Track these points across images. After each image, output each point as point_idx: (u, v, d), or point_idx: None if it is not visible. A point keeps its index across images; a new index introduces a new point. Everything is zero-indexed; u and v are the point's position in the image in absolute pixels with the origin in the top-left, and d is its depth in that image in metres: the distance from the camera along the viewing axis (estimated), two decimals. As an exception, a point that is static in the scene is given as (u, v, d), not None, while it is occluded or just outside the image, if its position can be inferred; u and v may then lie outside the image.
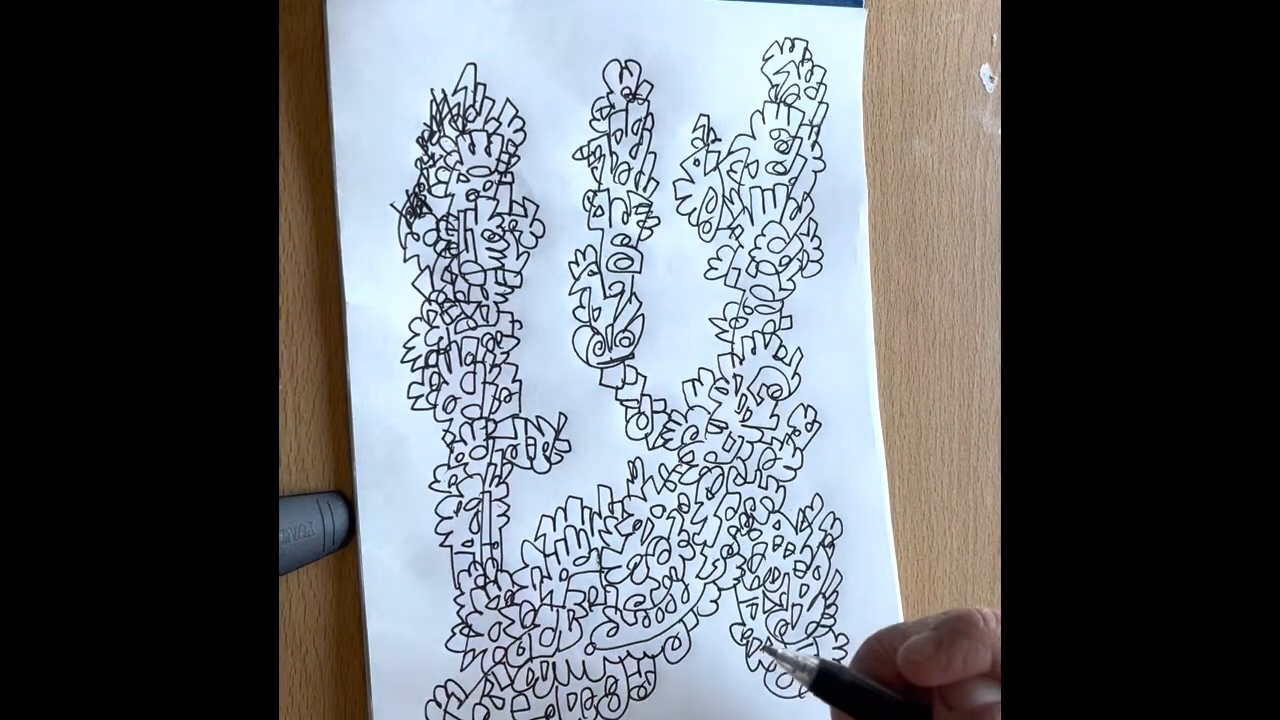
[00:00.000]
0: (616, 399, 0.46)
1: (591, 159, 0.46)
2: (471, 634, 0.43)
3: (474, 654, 0.43)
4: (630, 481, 0.46)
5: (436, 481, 0.43)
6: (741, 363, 0.48)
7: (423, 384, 0.43)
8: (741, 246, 0.48)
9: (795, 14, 0.49)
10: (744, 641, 0.47)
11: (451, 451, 0.44)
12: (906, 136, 0.51)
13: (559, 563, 0.45)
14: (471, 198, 0.44)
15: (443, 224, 0.44)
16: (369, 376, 0.42)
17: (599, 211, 0.46)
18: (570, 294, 0.45)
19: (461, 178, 0.44)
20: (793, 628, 0.47)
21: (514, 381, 0.44)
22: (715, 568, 0.47)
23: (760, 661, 0.47)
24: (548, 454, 0.45)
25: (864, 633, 0.41)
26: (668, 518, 0.46)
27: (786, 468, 0.48)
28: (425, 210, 0.43)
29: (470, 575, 0.43)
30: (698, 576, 0.46)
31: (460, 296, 0.44)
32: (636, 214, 0.46)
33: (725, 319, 0.48)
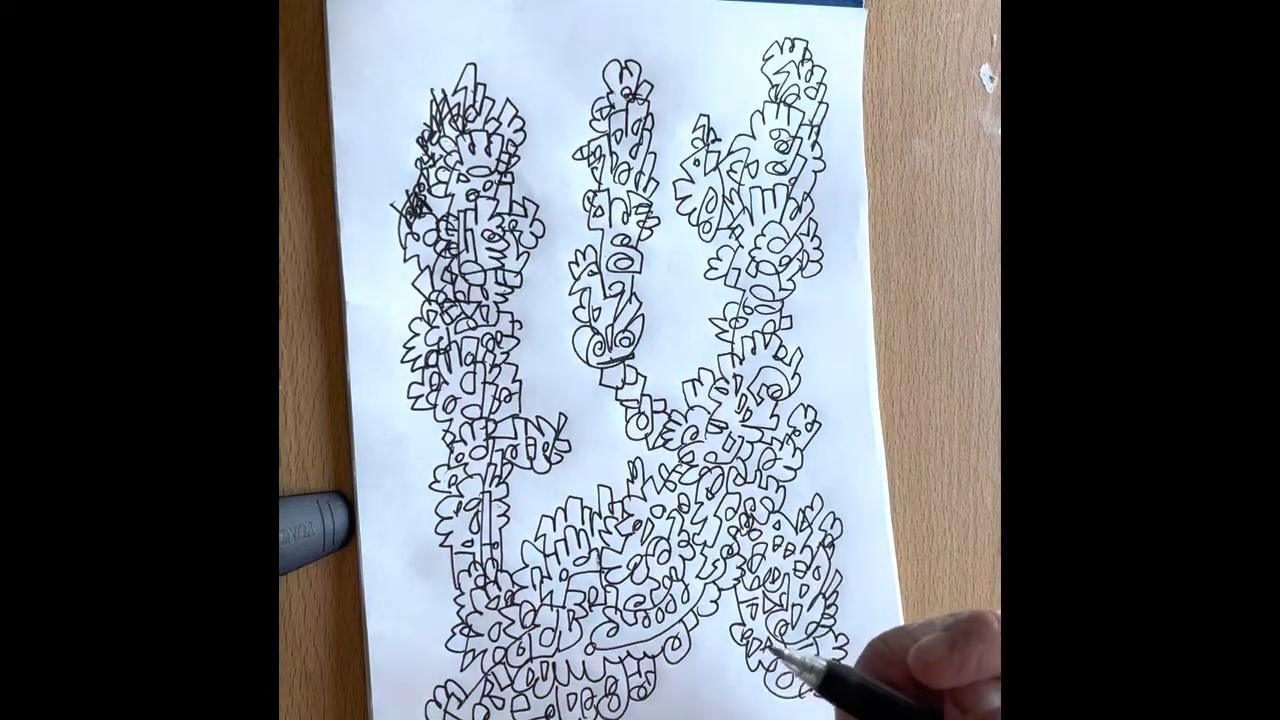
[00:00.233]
0: (616, 399, 0.46)
1: (591, 159, 0.46)
2: (471, 634, 0.43)
3: (474, 654, 0.43)
4: (630, 481, 0.46)
5: (436, 481, 0.43)
6: (741, 363, 0.48)
7: (423, 384, 0.43)
8: (741, 246, 0.48)
9: (795, 14, 0.49)
10: (744, 641, 0.47)
11: (451, 451, 0.44)
12: (906, 136, 0.51)
13: (559, 563, 0.45)
14: (471, 198, 0.44)
15: (443, 224, 0.44)
16: (369, 376, 0.42)
17: (599, 211, 0.46)
18: (570, 294, 0.45)
19: (461, 178, 0.44)
20: (793, 628, 0.47)
21: (514, 381, 0.44)
22: (715, 568, 0.47)
23: (761, 662, 0.47)
24: (548, 454, 0.45)
25: (864, 632, 0.41)
26: (668, 518, 0.46)
27: (786, 468, 0.48)
28: (425, 210, 0.43)
29: (470, 575, 0.43)
30: (698, 577, 0.46)
31: (460, 296, 0.44)
32: (636, 214, 0.46)
33: (725, 319, 0.48)
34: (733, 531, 0.47)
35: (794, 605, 0.48)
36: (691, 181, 0.47)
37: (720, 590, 0.47)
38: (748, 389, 0.48)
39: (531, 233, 0.45)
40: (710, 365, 0.47)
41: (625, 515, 0.46)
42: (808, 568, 0.48)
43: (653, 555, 0.46)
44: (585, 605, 0.45)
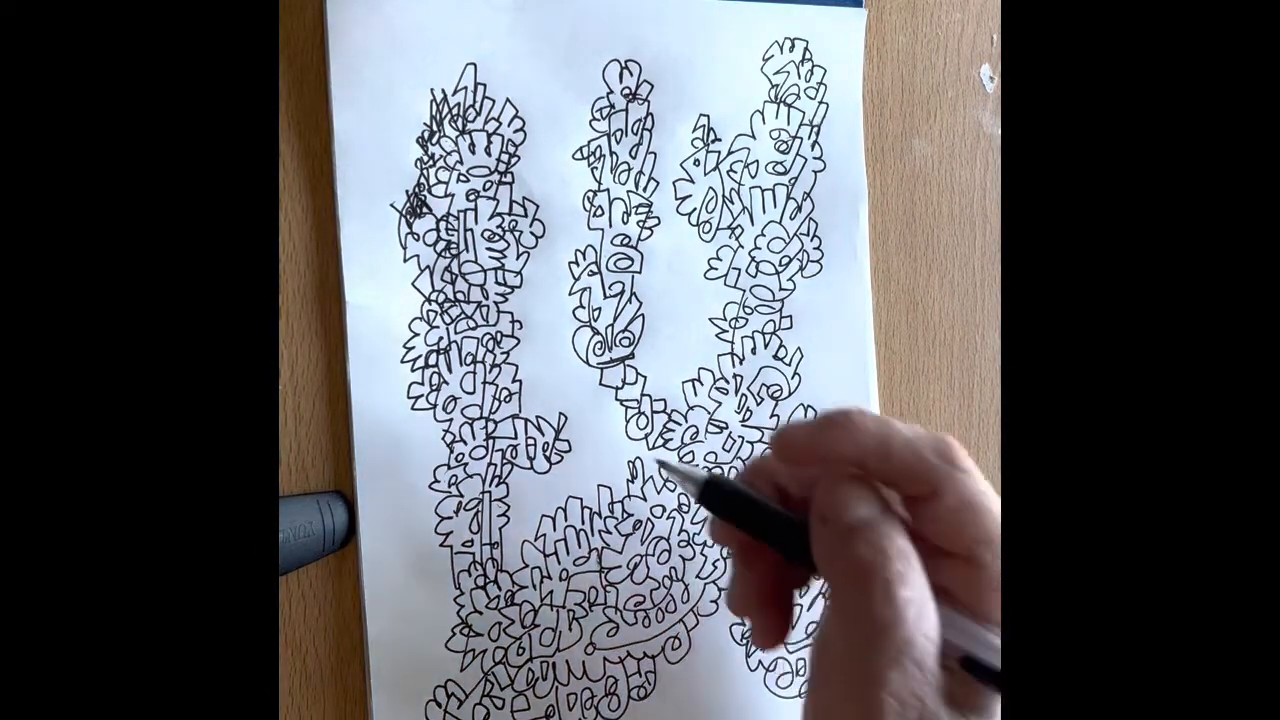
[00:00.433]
0: (616, 399, 0.46)
1: (591, 159, 0.46)
2: (471, 634, 0.43)
3: (474, 654, 0.43)
4: (630, 481, 0.46)
5: (436, 482, 0.43)
6: (741, 363, 0.48)
7: (423, 384, 0.43)
8: (741, 246, 0.48)
9: (795, 14, 0.49)
10: (744, 641, 0.47)
11: (451, 452, 0.44)
12: (906, 136, 0.51)
13: (559, 563, 0.45)
14: (471, 198, 0.44)
15: (443, 224, 0.44)
16: (369, 376, 0.42)
17: (599, 211, 0.46)
18: (570, 294, 0.45)
19: (461, 178, 0.44)
20: (792, 627, 0.47)
21: (514, 381, 0.44)
22: (715, 568, 0.47)
23: (761, 661, 0.47)
24: (548, 454, 0.45)
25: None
26: (668, 518, 0.46)
27: (787, 468, 0.48)
28: (425, 210, 0.43)
29: (470, 575, 0.43)
30: (698, 576, 0.46)
31: (460, 296, 0.44)
32: (636, 214, 0.46)
33: (725, 319, 0.48)
34: (733, 531, 0.47)
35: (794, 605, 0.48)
36: (691, 181, 0.47)
37: (720, 590, 0.47)
38: (748, 389, 0.48)
39: (531, 233, 0.45)
40: (710, 365, 0.47)
41: (625, 515, 0.46)
42: (807, 567, 0.48)
43: (653, 555, 0.46)
44: (585, 605, 0.45)
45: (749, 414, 0.48)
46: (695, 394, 0.47)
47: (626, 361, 0.46)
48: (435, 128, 0.43)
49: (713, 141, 0.48)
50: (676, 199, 0.47)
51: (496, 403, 0.44)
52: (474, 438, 0.44)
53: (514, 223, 0.45)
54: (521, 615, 0.44)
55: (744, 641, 0.47)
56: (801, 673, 0.48)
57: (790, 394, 0.48)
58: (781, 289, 0.49)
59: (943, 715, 0.31)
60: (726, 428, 0.47)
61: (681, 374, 0.47)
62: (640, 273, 0.46)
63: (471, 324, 0.44)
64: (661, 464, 0.40)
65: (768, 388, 0.48)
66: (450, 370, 0.44)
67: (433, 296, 0.43)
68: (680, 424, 0.47)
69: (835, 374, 0.49)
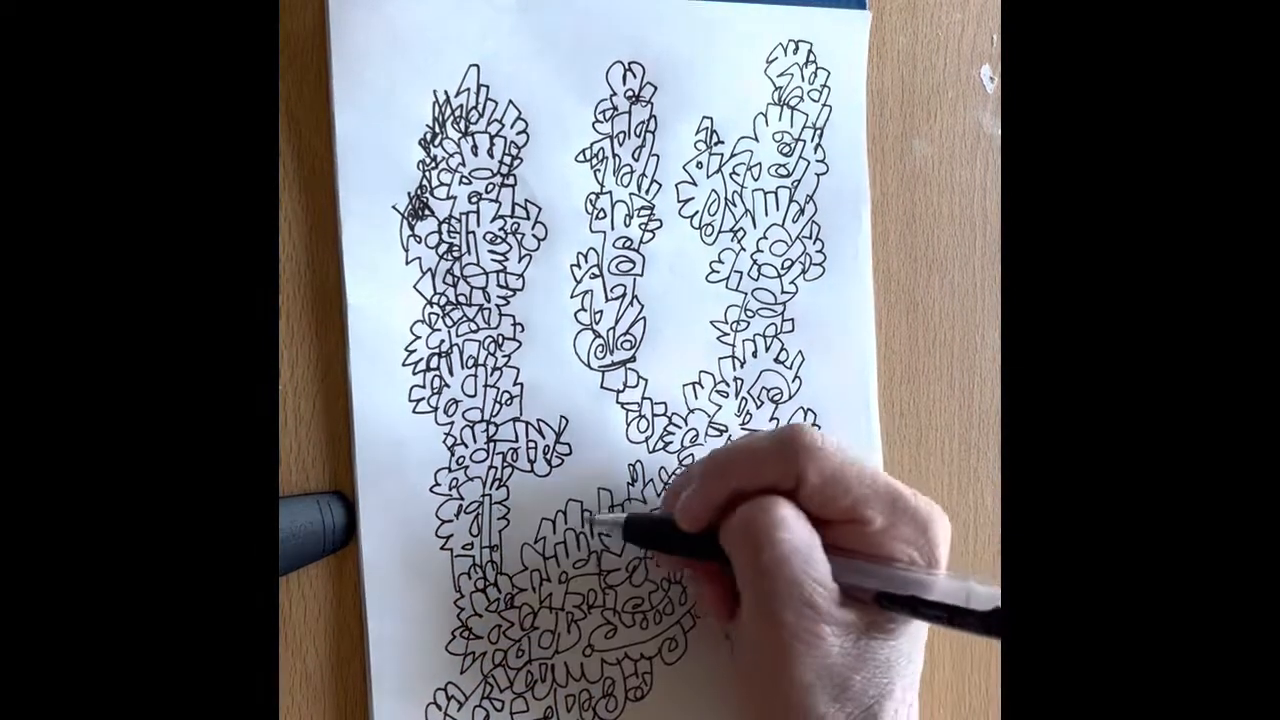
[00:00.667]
0: (617, 402, 0.46)
1: (594, 161, 0.46)
2: (471, 637, 0.43)
3: (474, 656, 0.43)
4: (631, 485, 0.46)
5: (437, 485, 0.43)
6: (742, 366, 0.48)
7: (424, 387, 0.43)
8: (743, 249, 0.48)
9: (799, 16, 0.49)
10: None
11: (452, 455, 0.43)
12: (906, 137, 0.51)
13: (558, 565, 0.45)
14: (473, 200, 0.44)
15: (445, 226, 0.44)
16: (370, 379, 0.42)
17: (601, 214, 0.46)
18: (572, 297, 0.45)
19: (464, 180, 0.44)
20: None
21: (515, 385, 0.44)
22: (715, 570, 0.47)
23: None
24: (548, 457, 0.45)
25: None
26: (668, 520, 0.46)
27: (786, 471, 0.48)
28: (427, 212, 0.43)
29: (470, 578, 0.43)
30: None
31: (462, 299, 0.44)
32: (638, 216, 0.46)
33: (726, 322, 0.48)
34: (733, 534, 0.47)
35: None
36: (694, 184, 0.47)
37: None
38: (748, 392, 0.48)
39: (534, 235, 0.45)
40: (711, 368, 0.47)
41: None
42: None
43: (651, 558, 0.46)
44: (584, 607, 0.45)
45: (749, 417, 0.48)
46: (696, 397, 0.47)
47: (628, 365, 0.46)
48: (437, 129, 0.43)
49: (715, 144, 0.48)
50: (679, 201, 0.47)
51: (498, 406, 0.44)
52: (475, 441, 0.44)
53: (516, 225, 0.45)
54: (521, 618, 0.44)
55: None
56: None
57: (790, 397, 0.48)
58: (784, 292, 0.48)
59: (832, 640, 0.37)
60: (726, 431, 0.47)
61: (682, 377, 0.47)
62: (642, 275, 0.46)
63: (473, 327, 0.44)
64: (588, 519, 0.45)
65: (768, 391, 0.48)
66: (451, 373, 0.44)
67: (434, 299, 0.43)
68: (681, 427, 0.47)
69: (836, 377, 0.49)
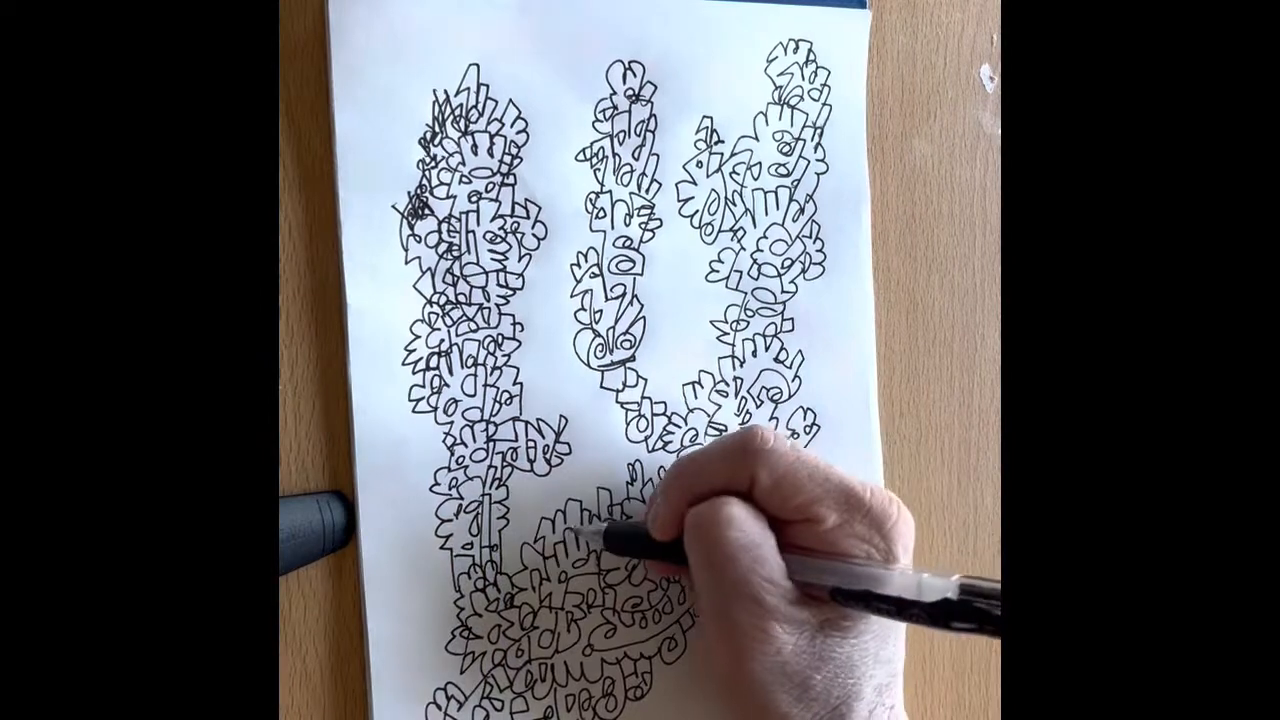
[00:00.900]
0: (617, 402, 0.46)
1: (594, 160, 0.46)
2: (471, 636, 0.43)
3: (473, 656, 0.43)
4: (630, 484, 0.46)
5: (437, 484, 0.43)
6: (742, 365, 0.48)
7: (424, 386, 0.43)
8: (743, 249, 0.48)
9: (799, 15, 0.48)
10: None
11: (452, 454, 0.43)
12: (906, 136, 0.51)
13: (558, 565, 0.45)
14: (473, 199, 0.44)
15: (444, 226, 0.44)
16: (370, 379, 0.42)
17: (601, 213, 0.46)
18: (572, 296, 0.45)
19: (463, 179, 0.44)
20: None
21: (515, 384, 0.44)
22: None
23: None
24: (548, 457, 0.45)
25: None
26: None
27: (786, 470, 0.48)
28: (427, 212, 0.43)
29: (470, 578, 0.43)
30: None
31: (462, 299, 0.44)
32: (638, 216, 0.46)
33: (726, 321, 0.48)
34: (733, 534, 0.47)
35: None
36: (694, 183, 0.47)
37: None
38: (747, 391, 0.48)
39: (534, 234, 0.45)
40: (711, 368, 0.47)
41: (625, 518, 0.46)
42: (808, 570, 0.48)
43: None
44: (584, 607, 0.45)
45: (748, 416, 0.48)
46: (695, 397, 0.47)
47: (627, 364, 0.46)
48: (437, 129, 0.43)
49: (715, 143, 0.48)
50: (679, 201, 0.47)
51: (497, 405, 0.44)
52: (474, 440, 0.44)
53: (516, 224, 0.45)
54: (520, 617, 0.44)
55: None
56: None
57: (790, 397, 0.48)
58: (783, 291, 0.48)
59: (784, 638, 0.38)
60: (726, 430, 0.47)
61: (682, 377, 0.47)
62: (642, 275, 0.46)
63: (473, 326, 0.44)
64: (573, 530, 0.45)
65: (768, 390, 0.48)
66: (451, 373, 0.44)
67: (434, 298, 0.43)
68: (680, 427, 0.47)
69: (836, 377, 0.49)
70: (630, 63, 0.46)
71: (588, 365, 0.45)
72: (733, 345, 0.48)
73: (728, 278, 0.48)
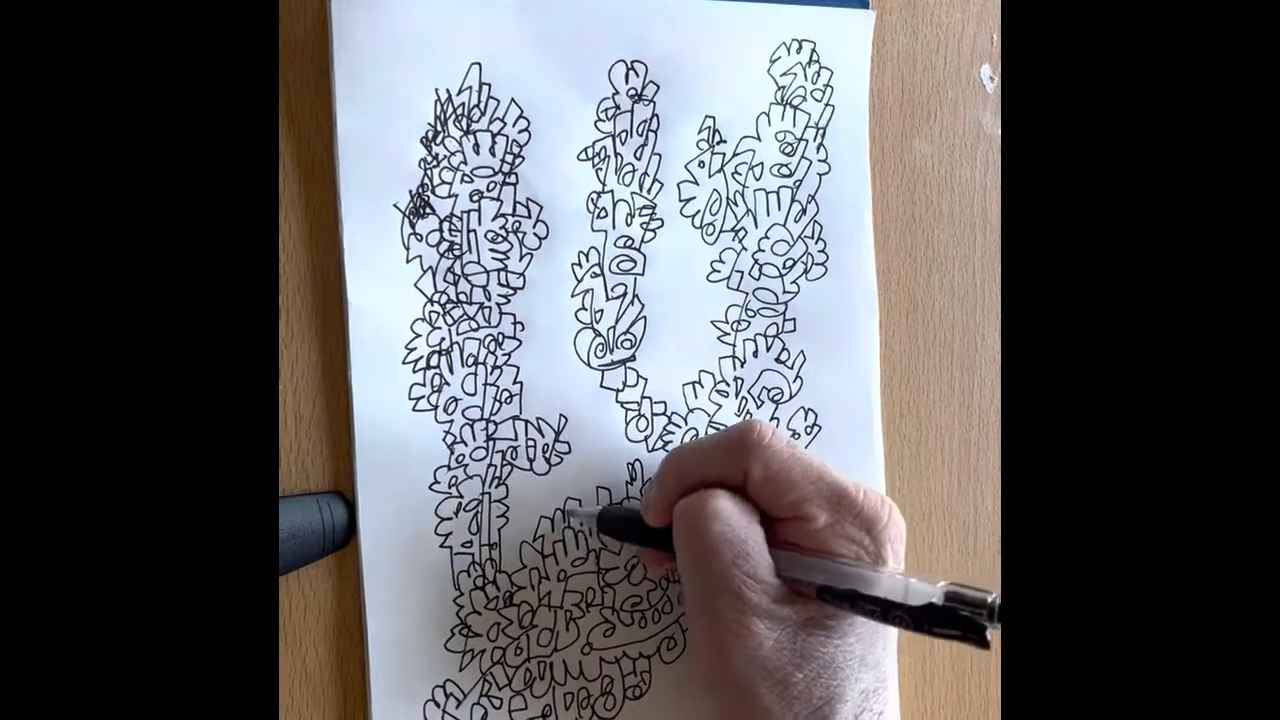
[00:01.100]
0: (617, 401, 0.46)
1: (596, 160, 0.46)
2: (470, 634, 0.43)
3: (472, 654, 0.43)
4: (630, 484, 0.46)
5: (436, 483, 0.43)
6: (743, 365, 0.48)
7: (424, 385, 0.43)
8: (745, 249, 0.48)
9: (802, 15, 0.48)
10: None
11: (452, 453, 0.43)
12: (906, 136, 0.51)
13: (557, 564, 0.45)
14: (475, 198, 0.44)
15: (446, 225, 0.44)
16: (370, 377, 0.42)
17: (602, 213, 0.46)
18: (572, 296, 0.45)
19: (465, 178, 0.44)
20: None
21: (515, 383, 0.44)
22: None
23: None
24: (548, 456, 0.45)
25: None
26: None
27: (786, 471, 0.48)
28: (428, 211, 0.43)
29: (469, 576, 0.43)
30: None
31: (462, 298, 0.44)
32: (640, 216, 0.46)
33: (727, 322, 0.48)
34: (733, 534, 0.47)
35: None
36: (696, 183, 0.47)
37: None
38: (748, 391, 0.48)
39: (535, 234, 0.45)
40: (711, 368, 0.47)
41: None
42: (808, 571, 0.48)
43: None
44: (583, 606, 0.45)
45: (749, 417, 0.48)
46: (695, 396, 0.47)
47: (628, 364, 0.46)
48: (439, 128, 0.43)
49: (718, 143, 0.48)
50: (680, 201, 0.47)
51: (497, 404, 0.44)
52: (474, 439, 0.44)
53: (517, 224, 0.45)
54: (520, 616, 0.44)
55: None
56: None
57: (791, 397, 0.48)
58: (785, 292, 0.48)
59: (764, 633, 0.38)
60: (726, 430, 0.47)
61: (683, 376, 0.47)
62: (643, 275, 0.46)
63: (473, 325, 0.44)
64: (567, 512, 0.45)
65: (768, 390, 0.48)
66: (452, 371, 0.44)
67: (435, 297, 0.43)
68: (680, 426, 0.47)
69: (837, 377, 0.49)
70: (633, 62, 0.46)
71: (588, 365, 0.45)
72: (733, 345, 0.48)
73: (729, 278, 0.48)
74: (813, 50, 0.49)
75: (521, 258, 0.45)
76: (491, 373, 0.44)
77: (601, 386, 0.46)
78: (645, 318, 0.46)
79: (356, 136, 0.42)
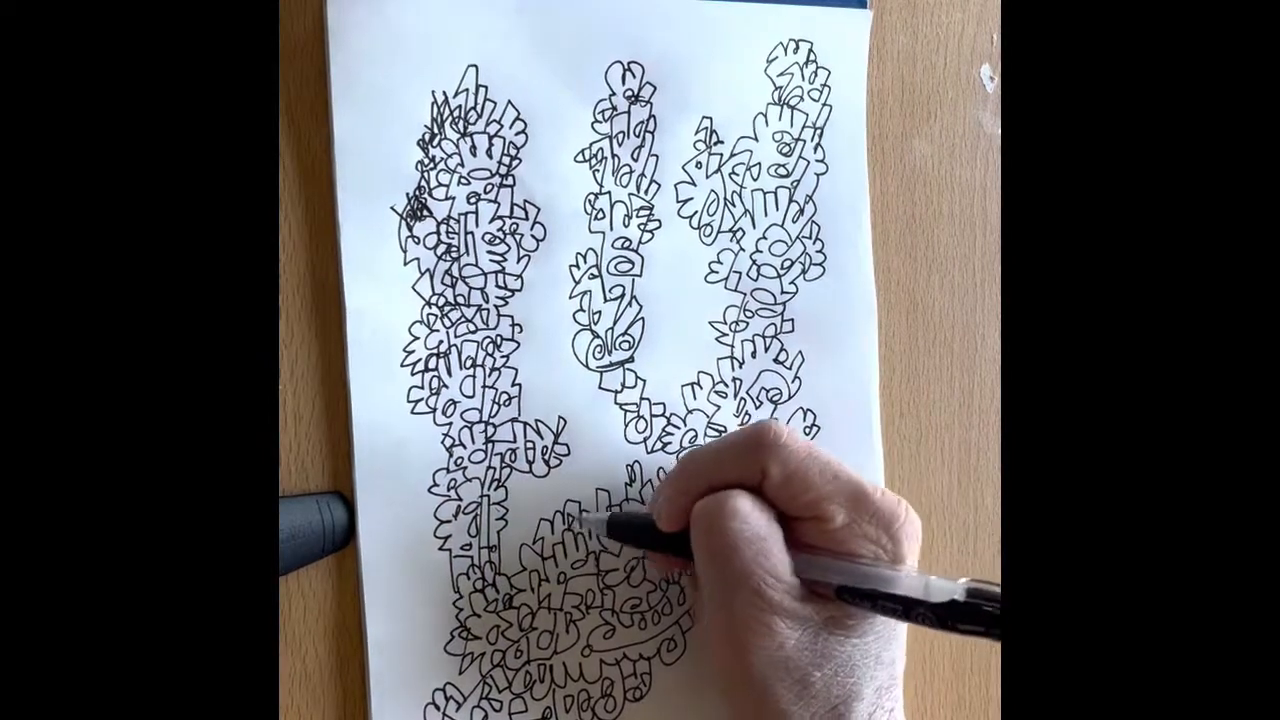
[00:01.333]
0: (616, 403, 0.46)
1: (593, 161, 0.46)
2: (470, 637, 0.43)
3: (472, 657, 0.43)
4: (629, 485, 0.46)
5: (435, 485, 0.43)
6: (741, 366, 0.48)
7: (422, 387, 0.43)
8: (743, 250, 0.48)
9: (800, 15, 0.48)
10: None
11: (451, 455, 0.43)
12: (906, 136, 0.51)
13: (557, 566, 0.45)
14: (472, 200, 0.44)
15: (443, 227, 0.44)
16: (369, 380, 0.42)
17: (600, 214, 0.46)
18: (570, 297, 0.45)
19: (462, 180, 0.44)
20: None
21: (513, 385, 0.44)
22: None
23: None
24: (546, 458, 0.45)
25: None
26: (666, 521, 0.46)
27: (785, 471, 0.48)
28: (426, 213, 0.43)
29: (469, 579, 0.43)
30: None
31: (460, 300, 0.44)
32: (637, 217, 0.46)
33: (725, 322, 0.48)
34: (732, 535, 0.47)
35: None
36: (693, 184, 0.47)
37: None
38: (746, 392, 0.48)
39: (532, 236, 0.45)
40: (710, 369, 0.47)
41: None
42: (807, 571, 0.48)
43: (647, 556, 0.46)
44: (582, 608, 0.45)
45: (747, 418, 0.48)
46: (694, 397, 0.47)
47: (626, 365, 0.46)
48: (436, 130, 0.43)
49: (715, 144, 0.48)
50: (678, 202, 0.47)
51: (496, 406, 0.44)
52: (473, 441, 0.44)
53: (515, 225, 0.45)
54: (519, 618, 0.44)
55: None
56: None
57: (790, 397, 0.48)
58: (783, 292, 0.48)
59: (785, 632, 0.38)
60: (725, 432, 0.47)
61: (681, 378, 0.47)
62: (641, 276, 0.46)
63: (471, 327, 0.44)
64: (572, 517, 0.45)
65: (767, 391, 0.48)
66: (450, 374, 0.44)
67: (433, 300, 0.43)
68: (679, 428, 0.47)
69: (836, 377, 0.49)
70: (629, 63, 0.46)
71: (586, 366, 0.45)
72: (732, 346, 0.48)
73: (727, 278, 0.48)
74: (810, 50, 0.49)
75: (519, 259, 0.45)
76: (490, 375, 0.44)
77: (600, 388, 0.46)
78: (643, 319, 0.46)
79: (353, 139, 0.42)
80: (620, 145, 0.46)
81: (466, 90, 0.44)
